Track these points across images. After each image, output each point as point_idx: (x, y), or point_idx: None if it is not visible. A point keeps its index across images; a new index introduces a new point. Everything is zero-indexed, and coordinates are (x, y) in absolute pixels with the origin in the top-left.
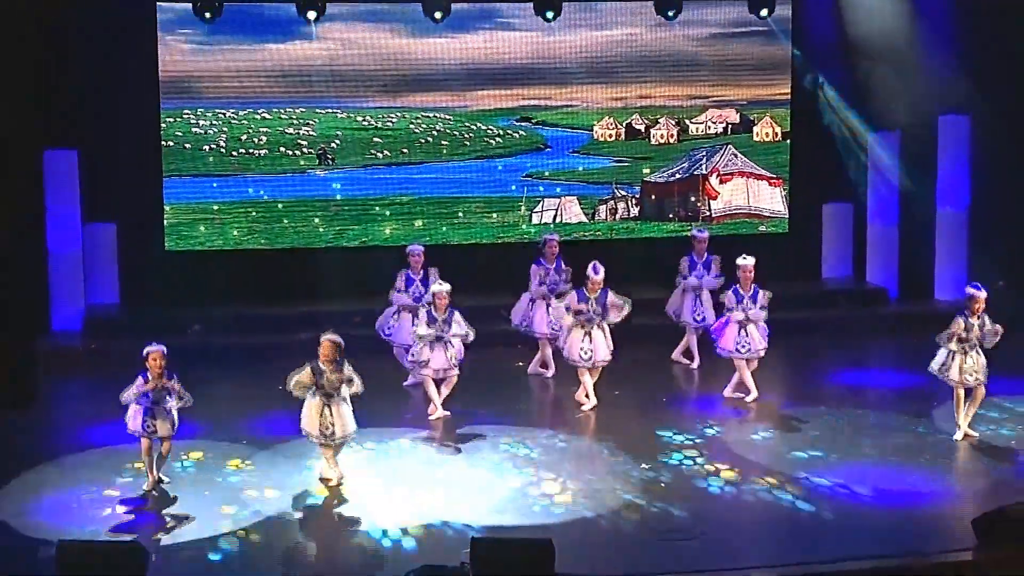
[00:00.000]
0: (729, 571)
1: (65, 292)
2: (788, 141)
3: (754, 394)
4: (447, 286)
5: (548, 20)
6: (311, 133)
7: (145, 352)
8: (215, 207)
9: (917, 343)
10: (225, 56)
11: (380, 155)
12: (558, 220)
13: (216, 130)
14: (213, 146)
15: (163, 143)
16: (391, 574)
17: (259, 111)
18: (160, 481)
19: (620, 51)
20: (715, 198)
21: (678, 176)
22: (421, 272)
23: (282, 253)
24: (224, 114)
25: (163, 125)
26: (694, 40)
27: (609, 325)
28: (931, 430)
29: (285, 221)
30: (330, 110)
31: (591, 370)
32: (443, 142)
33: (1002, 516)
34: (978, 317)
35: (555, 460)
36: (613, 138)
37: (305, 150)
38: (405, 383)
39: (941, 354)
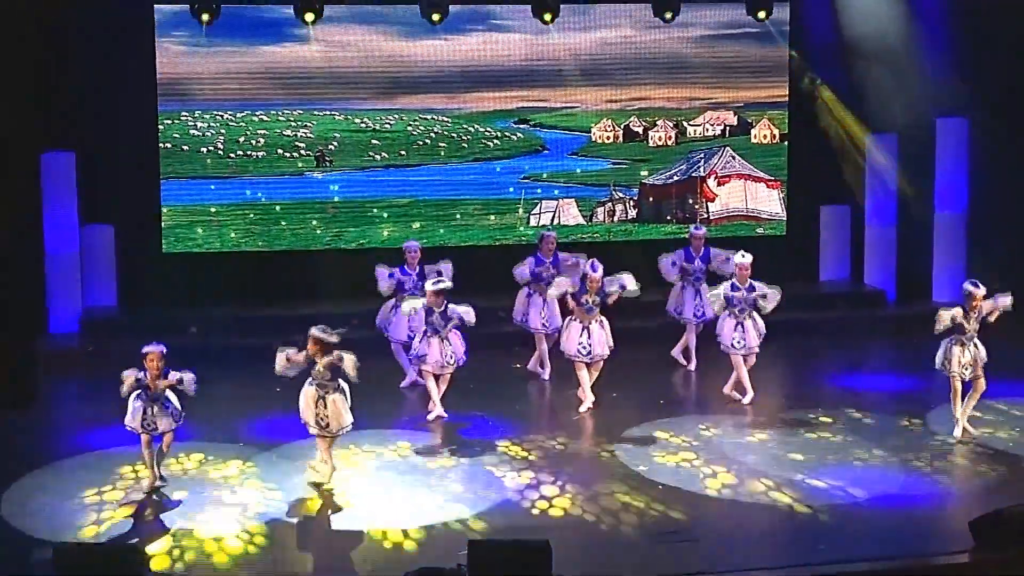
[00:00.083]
0: (726, 574)
1: (62, 294)
2: (786, 143)
3: (750, 395)
4: (443, 285)
5: (546, 22)
6: (309, 135)
7: (143, 352)
8: (212, 209)
9: (915, 345)
10: (222, 58)
11: (378, 157)
12: (556, 222)
13: (214, 132)
14: (211, 148)
15: (161, 145)
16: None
17: (257, 113)
18: (161, 477)
19: (618, 53)
20: (713, 200)
21: (676, 178)
22: (417, 268)
23: (280, 255)
24: (222, 116)
25: (160, 127)
26: (692, 42)
27: (611, 304)
28: (928, 432)
29: (283, 223)
30: (328, 112)
31: (590, 366)
32: (441, 144)
33: (999, 518)
34: (975, 312)
35: (553, 462)
36: (611, 140)
37: (303, 152)
38: (402, 384)
39: (941, 349)
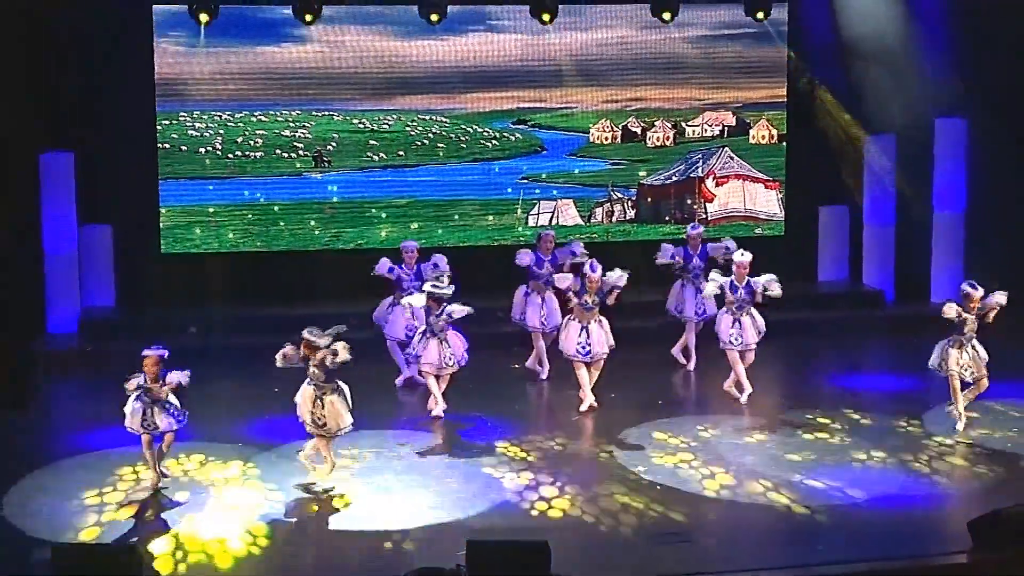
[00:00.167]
0: (724, 574)
1: (61, 294)
2: (784, 144)
3: (748, 391)
4: (441, 293)
5: (544, 23)
6: (307, 136)
7: (142, 355)
8: (211, 209)
9: (913, 345)
10: (221, 59)
11: (376, 157)
12: (554, 222)
13: (212, 133)
14: (209, 148)
15: (159, 145)
16: None
17: (255, 114)
18: (163, 475)
19: (616, 54)
20: (711, 201)
21: (674, 179)
22: (415, 268)
23: (278, 255)
24: (220, 116)
25: (159, 127)
26: (690, 43)
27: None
28: (926, 432)
29: (281, 223)
30: (326, 113)
31: (589, 366)
32: (439, 145)
33: (998, 518)
34: (973, 314)
35: (552, 463)
36: (609, 141)
37: (301, 152)
38: (397, 382)
39: (937, 349)
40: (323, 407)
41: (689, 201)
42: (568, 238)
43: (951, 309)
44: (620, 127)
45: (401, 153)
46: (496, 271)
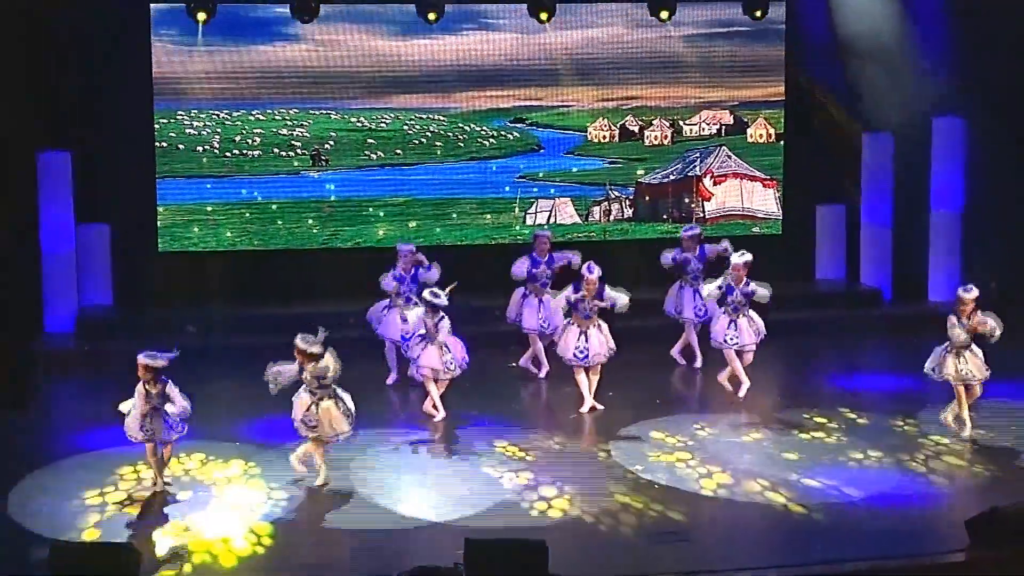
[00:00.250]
0: (722, 573)
1: (59, 293)
2: (782, 142)
3: (746, 386)
4: (440, 300)
5: (542, 21)
6: (305, 134)
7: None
8: (208, 208)
9: (911, 345)
10: (218, 57)
11: (374, 156)
12: (552, 221)
13: (210, 131)
14: (206, 147)
15: (156, 144)
16: (385, 574)
17: (253, 112)
18: (166, 484)
19: (614, 52)
20: (709, 199)
21: (672, 177)
22: (412, 270)
23: (276, 254)
24: (217, 115)
25: (156, 126)
26: (688, 41)
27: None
28: (923, 431)
29: (279, 222)
30: (323, 111)
31: (588, 370)
32: (437, 143)
33: (995, 516)
34: (969, 319)
35: (550, 462)
36: (607, 139)
37: (299, 151)
38: (388, 381)
39: (934, 355)
40: (317, 411)
41: (687, 200)
42: (566, 237)
43: (957, 333)
44: (618, 126)
45: (399, 152)
46: (494, 270)
